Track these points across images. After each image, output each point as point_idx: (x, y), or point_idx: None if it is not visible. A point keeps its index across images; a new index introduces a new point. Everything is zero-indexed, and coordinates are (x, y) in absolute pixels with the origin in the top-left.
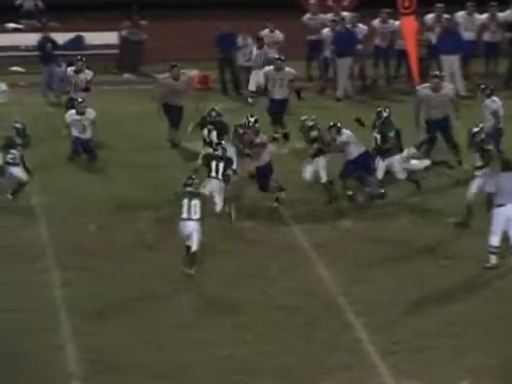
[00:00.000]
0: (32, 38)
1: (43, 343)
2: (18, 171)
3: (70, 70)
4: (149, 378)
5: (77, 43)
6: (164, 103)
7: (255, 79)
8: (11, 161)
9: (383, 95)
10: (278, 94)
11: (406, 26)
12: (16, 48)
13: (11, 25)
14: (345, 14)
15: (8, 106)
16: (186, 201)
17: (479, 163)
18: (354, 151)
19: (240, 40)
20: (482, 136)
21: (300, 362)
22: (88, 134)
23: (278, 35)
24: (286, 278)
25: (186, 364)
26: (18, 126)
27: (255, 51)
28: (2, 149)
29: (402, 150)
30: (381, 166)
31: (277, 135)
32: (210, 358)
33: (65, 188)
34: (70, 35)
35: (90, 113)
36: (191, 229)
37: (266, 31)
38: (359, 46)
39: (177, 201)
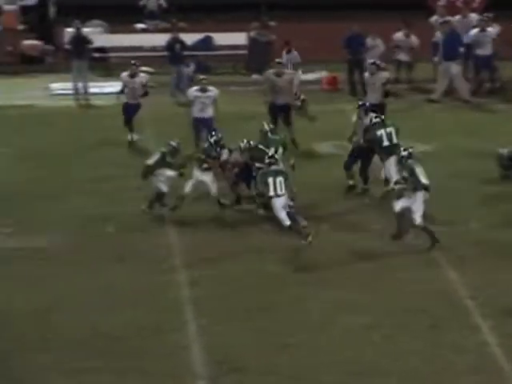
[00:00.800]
0: (161, 39)
1: (170, 343)
2: (159, 179)
3: (125, 74)
4: (275, 379)
5: (206, 44)
6: (270, 102)
7: None
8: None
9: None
10: (372, 98)
11: None
12: (142, 48)
13: (140, 25)
14: (473, 15)
15: None
16: (271, 179)
17: None
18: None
19: (369, 41)
20: None
21: (426, 364)
22: (209, 113)
23: (413, 41)
24: (412, 279)
25: (312, 366)
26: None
27: (284, 56)
28: (160, 159)
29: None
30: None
31: None
32: (336, 359)
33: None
34: (199, 36)
35: (212, 90)
36: (282, 204)
37: (399, 34)
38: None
39: (260, 181)
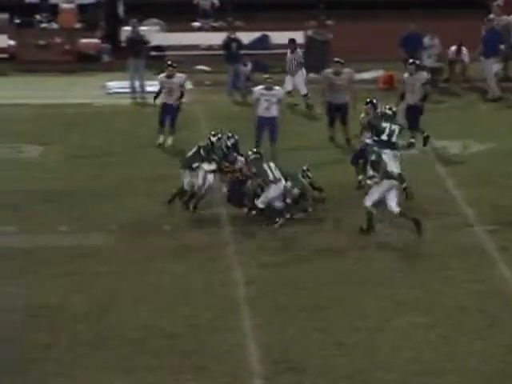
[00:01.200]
0: (217, 37)
1: (226, 342)
2: (187, 175)
3: (162, 75)
4: (331, 379)
5: (262, 42)
6: (328, 101)
7: (290, 81)
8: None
9: None
10: (411, 99)
11: None
12: (199, 47)
13: (196, 24)
14: None
15: (193, 105)
16: (266, 165)
17: None
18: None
19: (427, 40)
20: None
21: (484, 365)
22: (273, 112)
23: (464, 55)
24: (468, 279)
25: (369, 366)
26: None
27: (289, 55)
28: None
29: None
30: None
31: None
32: (394, 359)
33: None
34: (256, 34)
35: (278, 90)
36: (282, 188)
37: (453, 48)
38: None
39: (260, 170)
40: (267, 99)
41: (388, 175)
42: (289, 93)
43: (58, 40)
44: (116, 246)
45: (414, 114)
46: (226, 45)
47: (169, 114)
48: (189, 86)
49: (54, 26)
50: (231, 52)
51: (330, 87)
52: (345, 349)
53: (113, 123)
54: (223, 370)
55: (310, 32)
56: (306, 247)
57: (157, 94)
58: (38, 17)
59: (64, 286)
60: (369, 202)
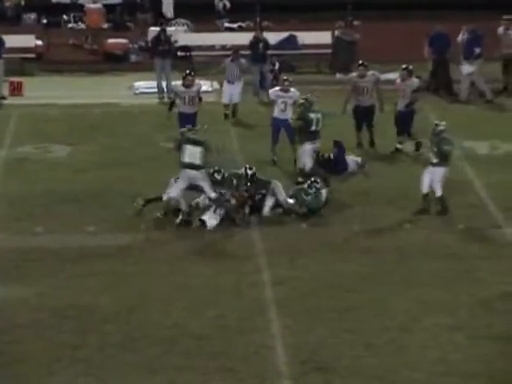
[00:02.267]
0: (244, 38)
1: (253, 343)
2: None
3: (179, 84)
4: (359, 379)
5: (290, 43)
6: (355, 104)
7: (228, 92)
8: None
9: None
10: (402, 104)
11: None
12: (225, 47)
13: (224, 24)
14: None
15: (219, 106)
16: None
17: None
18: None
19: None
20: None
21: None
22: (288, 114)
23: None
24: (498, 280)
25: (396, 366)
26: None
27: (228, 63)
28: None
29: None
30: None
31: None
32: (422, 360)
33: None
34: (283, 35)
35: (294, 92)
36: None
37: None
38: None
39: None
40: (284, 101)
41: (182, 164)
42: (226, 106)
43: (84, 40)
44: (144, 246)
45: (405, 120)
46: (253, 45)
47: (189, 123)
48: (215, 86)
49: (82, 26)
50: (258, 52)
51: (355, 90)
52: (373, 349)
53: (140, 123)
54: (251, 371)
55: (337, 32)
56: (334, 248)
57: (171, 104)
58: (65, 17)
59: (92, 287)
60: (173, 193)
